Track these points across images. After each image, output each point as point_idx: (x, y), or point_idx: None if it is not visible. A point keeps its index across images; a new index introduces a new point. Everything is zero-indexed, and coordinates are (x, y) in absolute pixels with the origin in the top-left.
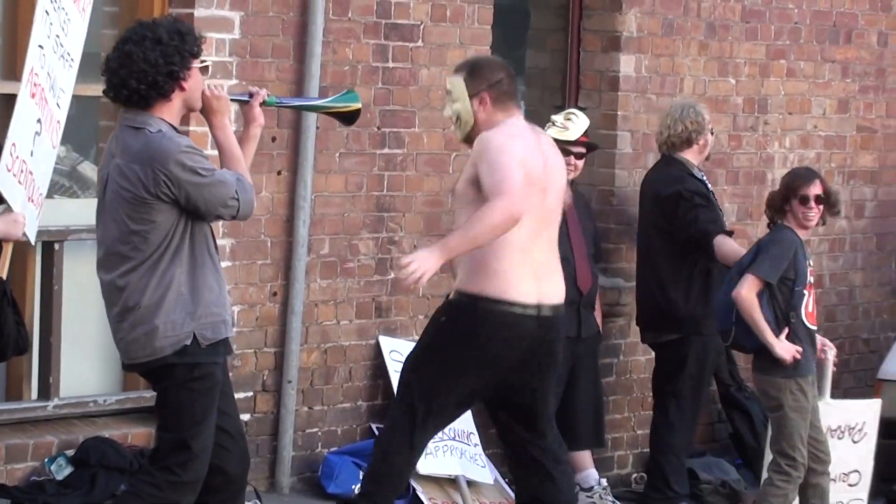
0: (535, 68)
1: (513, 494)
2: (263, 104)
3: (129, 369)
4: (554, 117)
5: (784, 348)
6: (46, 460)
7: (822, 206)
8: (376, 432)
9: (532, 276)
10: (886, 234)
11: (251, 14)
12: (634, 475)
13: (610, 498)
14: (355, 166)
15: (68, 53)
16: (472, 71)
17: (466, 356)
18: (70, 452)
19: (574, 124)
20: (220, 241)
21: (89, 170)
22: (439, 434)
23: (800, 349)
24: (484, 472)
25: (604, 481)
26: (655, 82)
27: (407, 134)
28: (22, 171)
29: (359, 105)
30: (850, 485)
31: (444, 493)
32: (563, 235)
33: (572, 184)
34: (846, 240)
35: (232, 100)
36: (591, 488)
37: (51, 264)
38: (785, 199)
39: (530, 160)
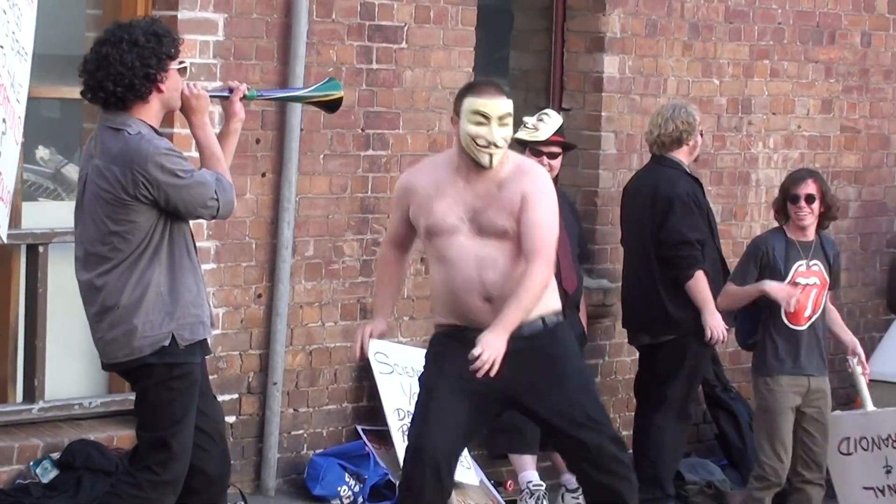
0: (519, 69)
1: (498, 496)
2: (244, 98)
3: (108, 369)
4: (526, 119)
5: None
6: (32, 463)
7: (815, 206)
8: (362, 434)
9: None
10: (870, 234)
11: (235, 16)
12: None
13: None
14: (340, 168)
15: (23, 48)
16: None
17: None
18: (55, 455)
19: (545, 124)
20: (204, 244)
21: (73, 172)
22: None
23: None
24: (469, 473)
25: None
26: (639, 83)
27: (391, 135)
28: None
29: (341, 93)
30: None
31: None
32: None
33: (556, 184)
34: None
35: (212, 96)
36: (576, 489)
37: (35, 267)
38: (783, 201)
39: None
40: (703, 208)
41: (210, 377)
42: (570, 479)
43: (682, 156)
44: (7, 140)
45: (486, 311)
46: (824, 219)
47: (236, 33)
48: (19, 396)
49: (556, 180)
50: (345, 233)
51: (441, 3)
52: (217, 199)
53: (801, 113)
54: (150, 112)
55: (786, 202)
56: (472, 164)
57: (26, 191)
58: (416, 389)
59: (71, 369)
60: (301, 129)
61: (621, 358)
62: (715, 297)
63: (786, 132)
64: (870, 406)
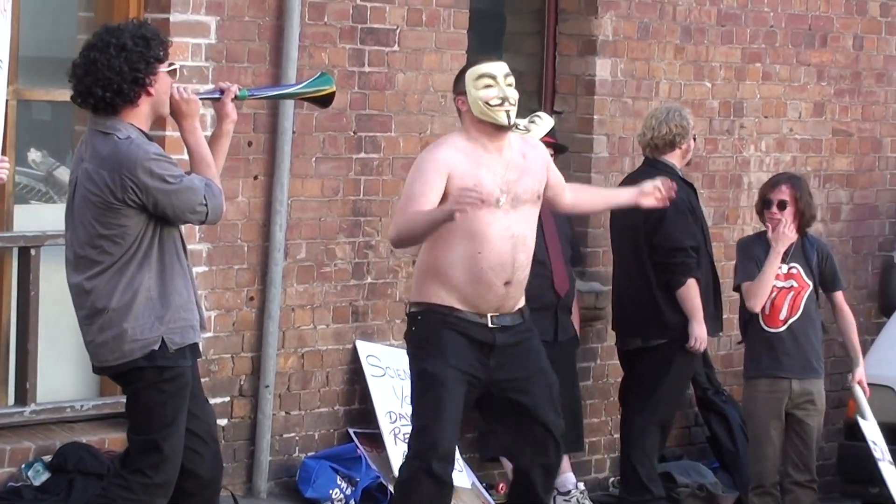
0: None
1: (490, 499)
2: (236, 99)
3: (98, 372)
4: (518, 121)
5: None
6: (23, 466)
7: (787, 212)
8: (353, 437)
9: None
10: (862, 237)
11: (227, 19)
12: (612, 479)
13: (588, 502)
14: (332, 171)
15: None
16: None
17: None
18: (47, 458)
19: (537, 126)
20: (196, 246)
21: (65, 175)
22: None
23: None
24: (461, 476)
25: (581, 485)
26: (631, 86)
27: (383, 138)
28: None
29: (333, 88)
30: None
31: None
32: (540, 239)
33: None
34: None
35: (203, 98)
36: (568, 492)
37: (27, 270)
38: (760, 205)
39: None
40: (697, 214)
41: (202, 380)
42: (563, 482)
43: (674, 159)
44: None
45: (502, 297)
46: (801, 224)
47: (228, 36)
48: (11, 399)
49: None
50: (337, 235)
51: (433, 6)
52: (206, 205)
53: (793, 116)
54: (140, 115)
55: (762, 206)
56: (492, 132)
57: (18, 193)
58: (408, 393)
59: (63, 372)
60: (293, 132)
61: (613, 361)
62: (706, 305)
63: (778, 135)
64: (870, 417)
